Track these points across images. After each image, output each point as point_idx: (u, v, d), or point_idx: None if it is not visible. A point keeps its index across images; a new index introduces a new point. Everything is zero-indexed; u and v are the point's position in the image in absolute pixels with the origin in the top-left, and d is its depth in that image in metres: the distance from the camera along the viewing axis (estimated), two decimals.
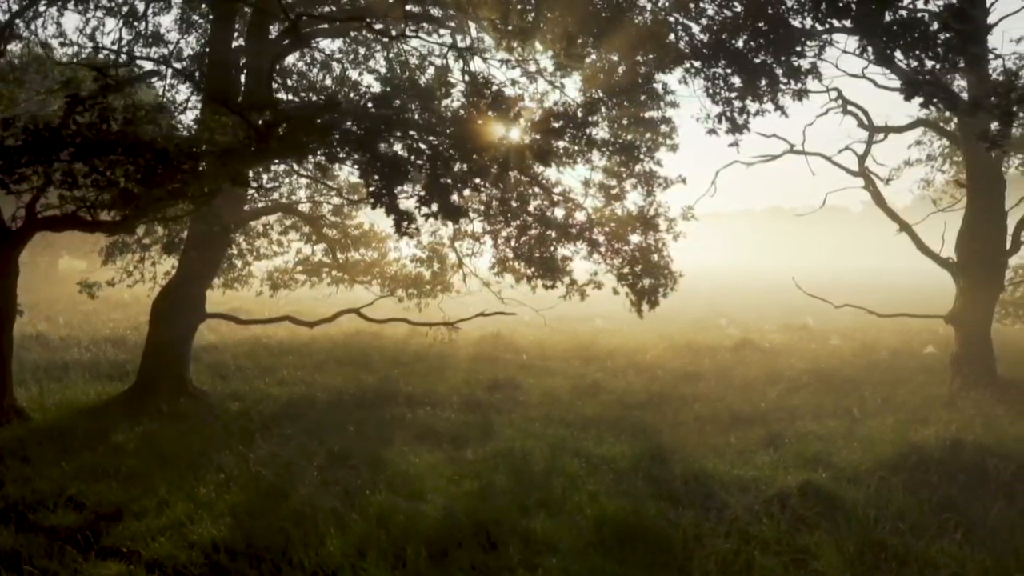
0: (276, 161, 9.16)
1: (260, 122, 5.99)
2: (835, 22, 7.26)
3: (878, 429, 8.96)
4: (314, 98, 15.01)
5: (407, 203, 9.16)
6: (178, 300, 11.70)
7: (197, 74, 12.06)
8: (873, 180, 13.15)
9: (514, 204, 12.90)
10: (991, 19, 12.65)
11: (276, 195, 16.94)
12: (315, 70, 17.20)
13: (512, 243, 13.81)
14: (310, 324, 13.08)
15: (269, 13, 9.78)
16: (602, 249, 12.43)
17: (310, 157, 7.59)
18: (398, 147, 6.71)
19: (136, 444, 9.24)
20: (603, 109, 12.31)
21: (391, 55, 16.59)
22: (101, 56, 13.79)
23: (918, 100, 7.33)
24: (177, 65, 15.20)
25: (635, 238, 12.35)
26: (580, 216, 12.72)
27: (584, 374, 14.46)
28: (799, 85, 8.22)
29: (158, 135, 7.34)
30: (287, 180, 16.64)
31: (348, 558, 5.91)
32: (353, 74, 16.88)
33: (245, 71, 12.09)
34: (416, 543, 6.08)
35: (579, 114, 11.09)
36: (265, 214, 13.95)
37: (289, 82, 16.12)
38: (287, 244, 17.49)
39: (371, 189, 5.91)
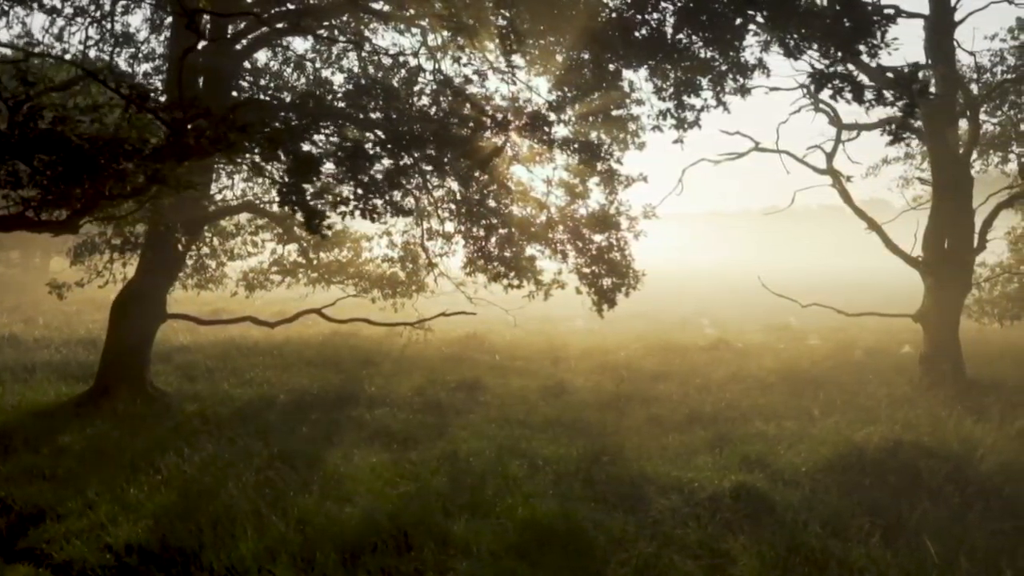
0: (221, 160, 9.08)
1: (171, 119, 5.93)
2: (750, 13, 7.15)
3: (828, 430, 8.83)
4: (289, 98, 14.96)
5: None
6: (137, 301, 11.66)
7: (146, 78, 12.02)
8: (840, 179, 13.00)
9: (476, 204, 12.90)
10: (959, 15, 12.55)
11: (250, 195, 16.95)
12: (288, 70, 17.19)
13: (479, 243, 13.80)
14: (271, 324, 13.03)
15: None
16: (565, 248, 12.38)
17: (247, 156, 7.51)
18: (322, 143, 6.66)
19: (82, 445, 9.19)
20: (575, 106, 12.28)
21: (364, 54, 16.56)
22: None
23: (827, 92, 7.23)
24: (148, 66, 15.23)
25: (598, 237, 12.28)
26: (543, 215, 12.69)
27: (552, 375, 14.37)
28: (743, 80, 8.10)
29: (88, 133, 7.26)
30: (259, 180, 16.64)
31: (259, 560, 5.84)
32: (326, 73, 16.89)
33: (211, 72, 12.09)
34: (332, 546, 6.01)
35: (543, 113, 11.06)
36: (229, 214, 13.87)
37: (262, 81, 16.11)
38: (261, 244, 17.47)
39: (279, 186, 5.86)
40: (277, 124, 6.54)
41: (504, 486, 7.67)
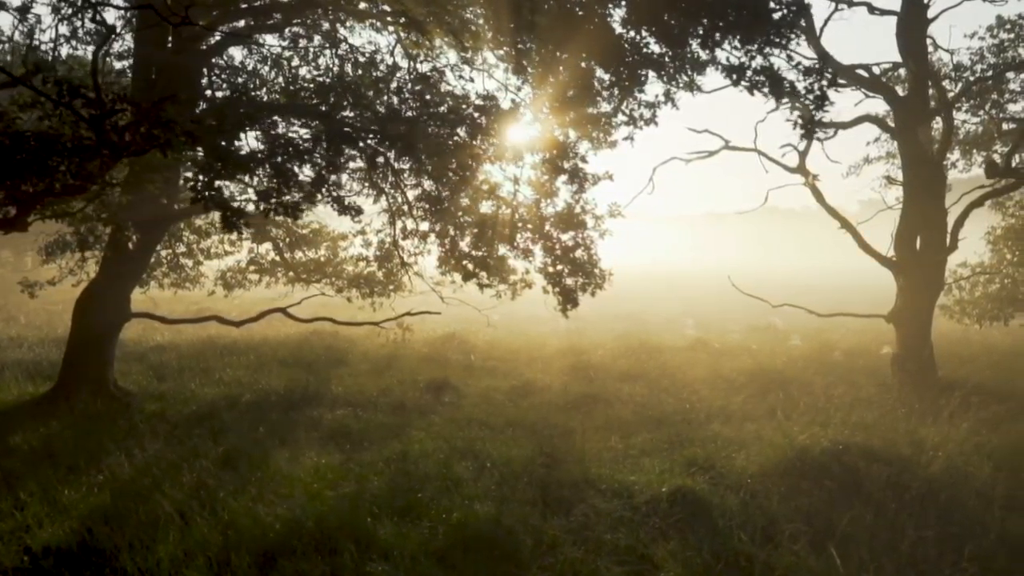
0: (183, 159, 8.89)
1: (88, 115, 5.84)
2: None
3: (777, 433, 8.67)
4: (265, 95, 14.87)
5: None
6: (98, 300, 11.59)
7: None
8: (810, 177, 12.82)
9: (442, 202, 12.80)
10: (931, 12, 12.38)
11: (227, 193, 16.86)
12: (266, 68, 17.11)
13: (451, 241, 13.74)
14: (237, 323, 12.95)
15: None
16: (531, 247, 12.27)
17: (187, 153, 7.39)
18: (251, 139, 6.56)
19: (32, 446, 9.12)
20: (546, 104, 12.17)
21: (340, 52, 16.47)
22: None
23: (743, 85, 7.06)
24: (124, 64, 15.19)
25: (564, 236, 12.16)
26: (510, 213, 12.58)
27: (523, 375, 14.26)
28: (693, 76, 7.95)
29: (31, 130, 7.17)
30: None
31: (175, 563, 5.75)
32: (303, 71, 16.81)
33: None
34: (252, 549, 5.91)
35: (491, 107, 10.97)
36: (194, 213, 13.77)
37: (239, 79, 16.04)
38: (239, 243, 17.41)
39: (192, 184, 5.76)
40: (207, 121, 6.44)
41: (445, 488, 7.57)
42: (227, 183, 6.45)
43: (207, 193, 5.71)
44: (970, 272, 15.75)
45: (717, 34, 6.75)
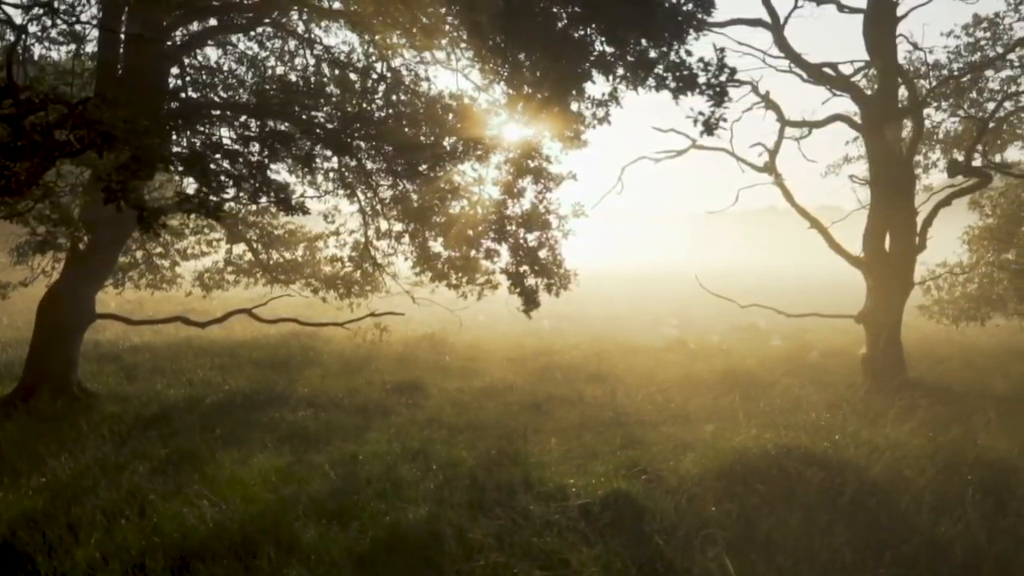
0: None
1: (5, 115, 5.80)
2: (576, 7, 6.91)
3: (726, 435, 8.56)
4: (243, 96, 14.82)
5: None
6: (61, 301, 11.57)
7: None
8: (777, 176, 12.72)
9: (404, 202, 12.77)
10: (900, 10, 12.25)
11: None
12: (242, 69, 17.07)
13: (419, 243, 13.73)
14: (202, 324, 12.92)
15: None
16: (496, 248, 12.23)
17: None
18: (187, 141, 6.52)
19: None
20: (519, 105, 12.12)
21: (315, 53, 16.42)
22: None
23: (651, 83, 6.96)
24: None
25: (531, 236, 12.11)
26: (474, 214, 12.54)
27: (494, 375, 14.19)
28: (644, 75, 7.82)
29: None
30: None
31: (92, 566, 5.69)
32: (280, 71, 16.76)
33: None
34: (170, 552, 5.86)
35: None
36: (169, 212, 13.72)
37: (216, 79, 16.01)
38: (216, 244, 17.40)
39: (104, 183, 5.71)
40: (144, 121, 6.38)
41: (385, 491, 7.50)
42: (202, 186, 6.37)
43: (119, 194, 5.65)
44: (946, 271, 15.61)
45: (619, 30, 6.64)
